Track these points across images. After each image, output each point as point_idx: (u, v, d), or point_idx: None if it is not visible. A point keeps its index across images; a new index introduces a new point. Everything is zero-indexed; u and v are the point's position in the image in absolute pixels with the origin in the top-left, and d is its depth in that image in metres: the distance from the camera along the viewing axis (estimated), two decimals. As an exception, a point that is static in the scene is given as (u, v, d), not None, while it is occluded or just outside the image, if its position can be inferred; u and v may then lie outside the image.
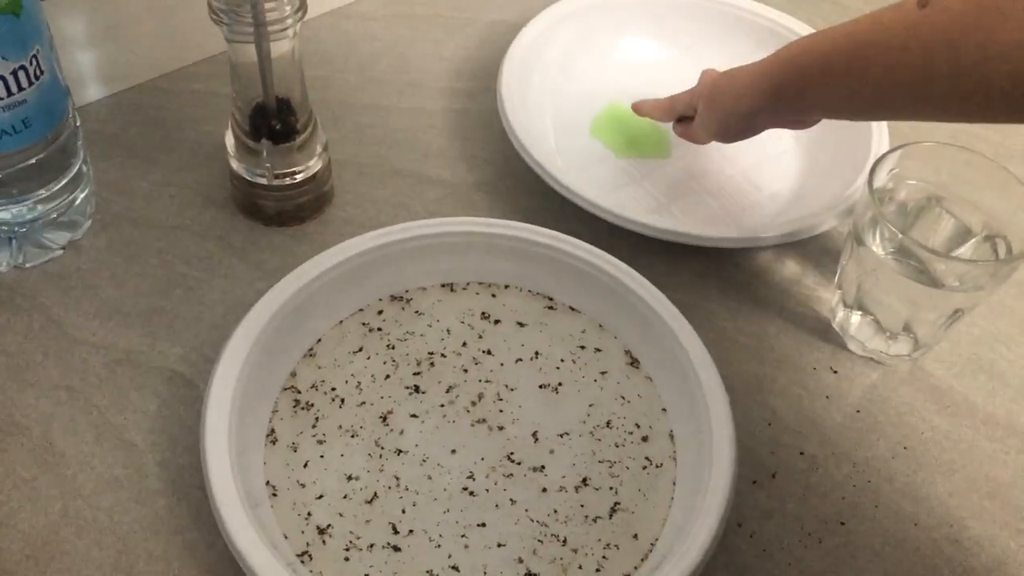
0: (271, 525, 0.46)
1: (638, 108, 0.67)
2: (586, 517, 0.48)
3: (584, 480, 0.49)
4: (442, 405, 0.52)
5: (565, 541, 0.47)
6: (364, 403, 0.52)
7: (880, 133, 0.63)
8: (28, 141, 0.51)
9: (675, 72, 0.71)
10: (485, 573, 0.46)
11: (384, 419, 0.51)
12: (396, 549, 0.46)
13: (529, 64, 0.67)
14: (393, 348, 0.54)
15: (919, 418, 0.55)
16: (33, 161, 0.53)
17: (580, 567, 0.46)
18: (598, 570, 0.46)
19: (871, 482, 0.52)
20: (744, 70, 0.56)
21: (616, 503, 0.49)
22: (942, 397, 0.56)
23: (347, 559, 0.46)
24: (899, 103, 0.48)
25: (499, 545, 0.47)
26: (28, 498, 0.48)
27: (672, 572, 0.43)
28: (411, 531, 0.47)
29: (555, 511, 0.48)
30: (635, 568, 0.46)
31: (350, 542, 0.46)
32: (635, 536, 0.48)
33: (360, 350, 0.54)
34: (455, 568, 0.46)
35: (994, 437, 0.54)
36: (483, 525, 0.47)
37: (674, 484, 0.49)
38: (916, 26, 0.45)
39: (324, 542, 0.46)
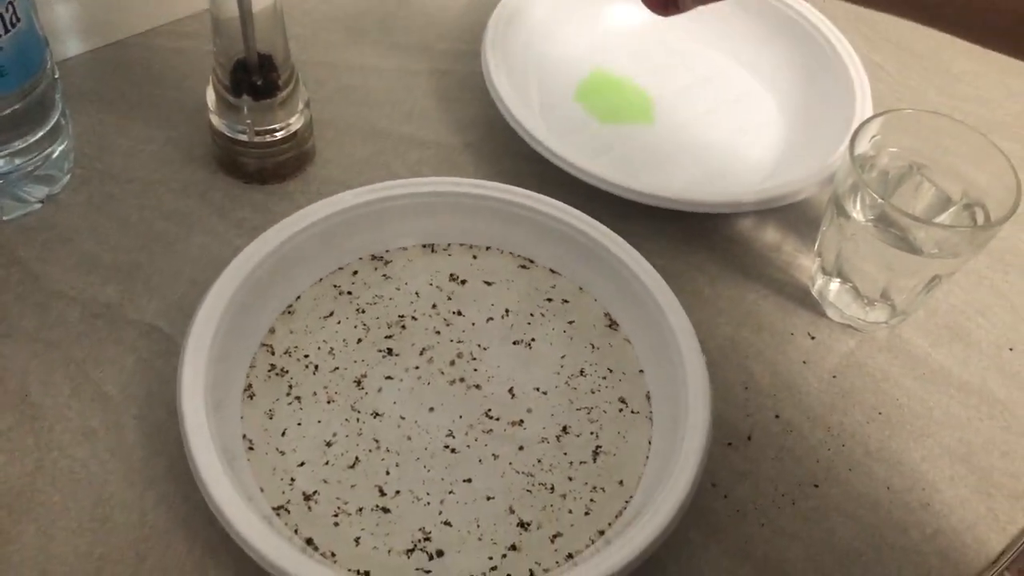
0: (247, 479, 0.46)
1: None
2: (571, 463, 0.49)
3: (564, 428, 0.50)
4: (417, 367, 0.52)
5: (553, 488, 0.48)
6: (337, 368, 0.51)
7: (863, 101, 0.63)
8: (3, 90, 0.51)
9: (661, 39, 0.71)
10: (478, 525, 0.46)
11: (359, 383, 0.51)
12: (385, 511, 0.46)
13: (514, 28, 0.67)
14: (363, 312, 0.54)
15: (895, 385, 0.55)
16: (8, 112, 0.52)
17: (570, 511, 0.47)
18: (587, 513, 0.47)
19: (845, 446, 0.52)
20: None
21: (598, 447, 0.49)
22: (918, 365, 0.56)
23: (336, 524, 0.46)
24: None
25: (488, 498, 0.47)
26: (3, 449, 0.48)
27: (644, 530, 0.43)
28: (398, 492, 0.47)
29: (539, 460, 0.49)
30: (620, 512, 0.47)
31: (338, 508, 0.46)
32: (620, 482, 0.48)
33: (331, 315, 0.54)
34: (447, 523, 0.46)
35: (968, 404, 0.55)
36: (469, 480, 0.48)
37: (650, 443, 0.50)
38: None
39: (310, 508, 0.46)
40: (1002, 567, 0.49)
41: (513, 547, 0.46)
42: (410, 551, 0.45)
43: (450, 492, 0.47)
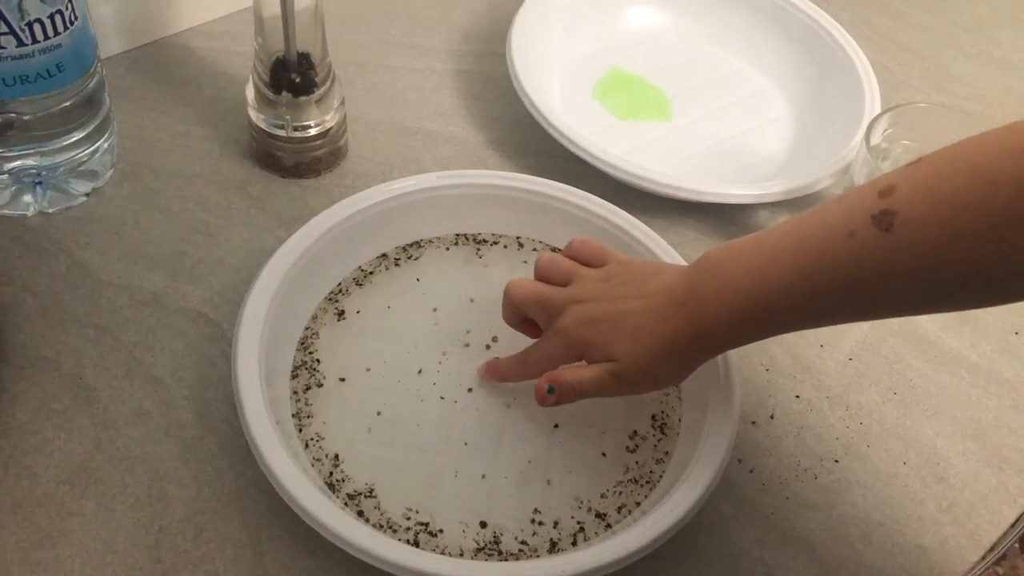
0: (300, 453, 0.48)
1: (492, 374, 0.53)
2: (608, 434, 0.52)
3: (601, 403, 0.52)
4: (455, 351, 0.54)
5: (604, 454, 0.51)
6: (377, 354, 0.53)
7: (872, 98, 0.66)
8: (61, 85, 0.53)
9: (675, 40, 0.74)
10: (531, 498, 0.49)
11: (398, 367, 0.53)
12: (439, 488, 0.49)
13: (536, 28, 0.69)
14: (397, 299, 0.56)
15: (908, 366, 0.58)
16: (63, 106, 0.54)
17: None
18: (638, 453, 0.51)
19: (863, 424, 0.55)
20: (643, 319, 0.45)
21: (635, 431, 0.52)
22: (929, 347, 0.59)
23: (391, 499, 0.48)
24: (889, 313, 0.44)
25: (539, 471, 0.50)
26: (61, 428, 0.50)
27: (679, 503, 0.46)
28: (456, 473, 0.49)
29: (575, 436, 0.52)
30: (655, 485, 0.50)
31: (391, 486, 0.49)
32: (666, 452, 0.51)
33: (366, 301, 0.56)
34: (503, 499, 0.49)
35: (977, 384, 0.57)
36: (516, 456, 0.50)
37: (680, 420, 0.52)
38: (887, 252, 0.38)
39: (367, 487, 0.49)
40: (1014, 537, 0.52)
41: (564, 519, 0.48)
42: (465, 527, 0.47)
43: (499, 466, 0.50)
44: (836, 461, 0.53)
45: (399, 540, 0.46)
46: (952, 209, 0.36)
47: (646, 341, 0.45)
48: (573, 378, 0.47)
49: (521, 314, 0.51)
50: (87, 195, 0.60)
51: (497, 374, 0.52)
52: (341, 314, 0.55)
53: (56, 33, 0.51)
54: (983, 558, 0.51)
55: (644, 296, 0.46)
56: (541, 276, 0.50)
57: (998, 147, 0.36)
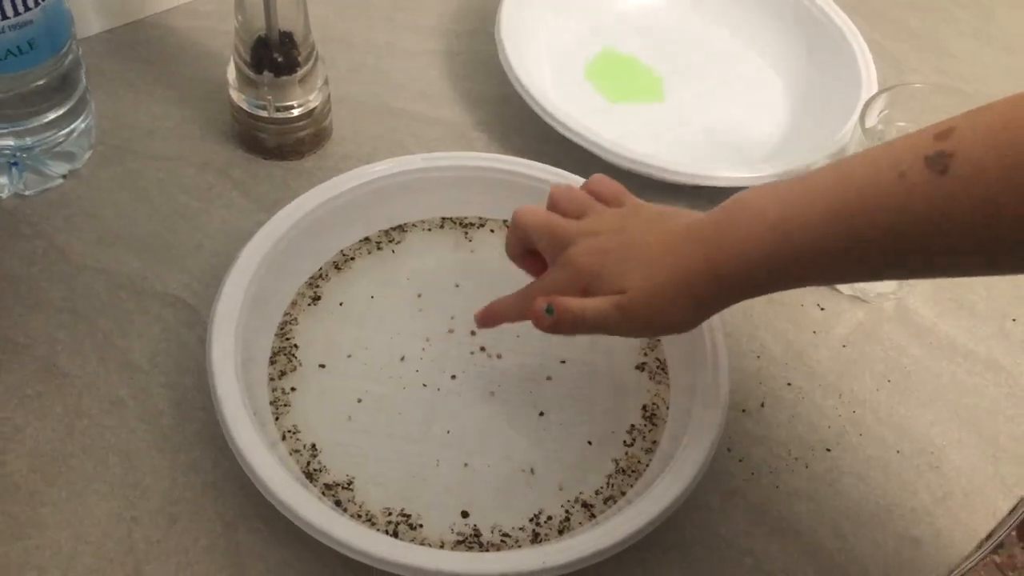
0: (277, 442, 0.47)
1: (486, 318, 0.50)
2: (599, 422, 0.51)
3: (588, 390, 0.52)
4: (438, 337, 0.53)
5: (590, 442, 0.50)
6: (359, 339, 0.52)
7: (868, 78, 0.65)
8: (33, 63, 0.52)
9: (668, 20, 0.72)
10: (515, 487, 0.48)
11: (381, 354, 0.52)
12: (423, 478, 0.48)
13: (526, 7, 0.68)
14: (382, 286, 0.55)
15: (903, 353, 0.57)
16: (37, 85, 0.53)
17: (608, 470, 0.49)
18: (629, 444, 0.50)
19: (856, 412, 0.54)
20: (657, 252, 0.43)
21: (632, 424, 0.51)
22: (924, 334, 0.58)
23: (372, 488, 0.47)
24: (933, 270, 0.40)
25: (522, 461, 0.49)
26: (34, 415, 0.49)
27: (665, 493, 0.45)
28: (437, 462, 0.48)
29: (562, 424, 0.51)
30: (640, 474, 0.49)
31: (371, 475, 0.48)
32: (655, 442, 0.50)
33: (350, 286, 0.55)
34: (486, 488, 0.48)
35: (973, 371, 0.56)
36: (501, 442, 0.49)
37: (668, 409, 0.51)
38: (939, 198, 0.35)
39: (345, 476, 0.48)
40: (1011, 526, 0.51)
41: (548, 509, 0.47)
42: (446, 518, 0.46)
43: (483, 455, 0.49)
44: (828, 450, 0.52)
45: (378, 531, 0.45)
46: (1015, 154, 0.34)
47: (658, 274, 0.42)
48: (575, 303, 0.44)
49: (526, 244, 0.48)
50: (64, 177, 0.58)
51: (495, 316, 0.49)
52: (321, 299, 0.54)
53: (27, 8, 0.49)
54: (979, 547, 0.50)
55: (661, 233, 0.43)
56: (553, 206, 0.48)
57: None
